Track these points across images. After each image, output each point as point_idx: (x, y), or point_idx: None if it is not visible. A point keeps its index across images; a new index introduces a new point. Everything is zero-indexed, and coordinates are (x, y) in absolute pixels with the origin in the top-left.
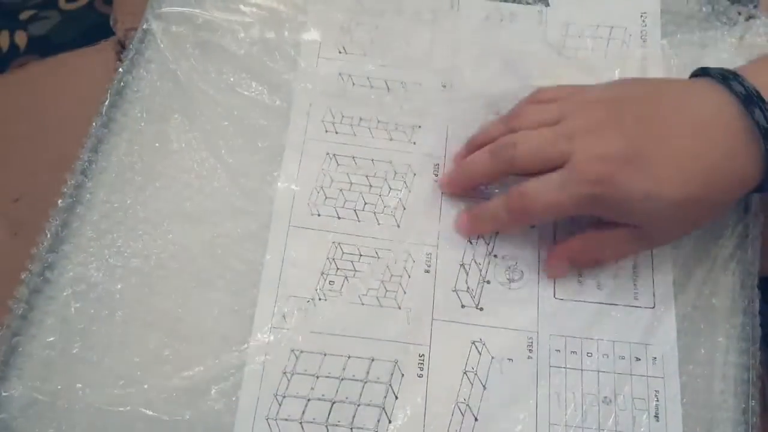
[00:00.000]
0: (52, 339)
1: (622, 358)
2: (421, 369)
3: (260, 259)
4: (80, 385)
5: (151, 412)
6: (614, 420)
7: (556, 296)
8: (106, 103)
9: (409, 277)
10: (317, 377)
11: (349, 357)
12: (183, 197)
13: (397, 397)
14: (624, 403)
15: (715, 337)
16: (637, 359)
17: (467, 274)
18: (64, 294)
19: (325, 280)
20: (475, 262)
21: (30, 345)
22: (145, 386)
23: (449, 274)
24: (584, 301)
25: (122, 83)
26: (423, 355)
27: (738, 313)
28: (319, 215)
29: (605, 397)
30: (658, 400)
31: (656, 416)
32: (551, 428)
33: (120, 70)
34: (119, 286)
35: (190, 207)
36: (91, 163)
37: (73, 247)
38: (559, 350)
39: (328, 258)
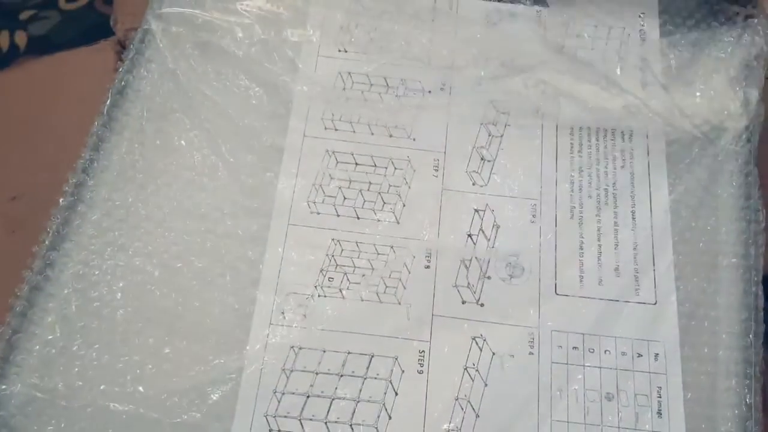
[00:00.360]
0: (51, 337)
1: (624, 354)
2: (422, 365)
3: (260, 257)
4: (80, 383)
5: (150, 410)
6: (617, 416)
7: (557, 292)
8: (108, 102)
9: (409, 273)
10: (317, 374)
11: (348, 353)
12: (184, 195)
13: (397, 394)
14: (627, 399)
15: (718, 334)
16: (639, 355)
17: (468, 270)
18: (65, 292)
19: (324, 276)
20: (476, 257)
21: (30, 342)
22: (145, 384)
23: (449, 269)
24: (586, 297)
25: (123, 82)
26: (423, 351)
27: (741, 310)
28: (318, 213)
29: (608, 394)
30: (660, 397)
31: (659, 413)
32: (553, 425)
33: (121, 69)
34: (120, 284)
35: (192, 205)
36: (93, 161)
37: (74, 245)
38: (560, 346)
39: (327, 255)
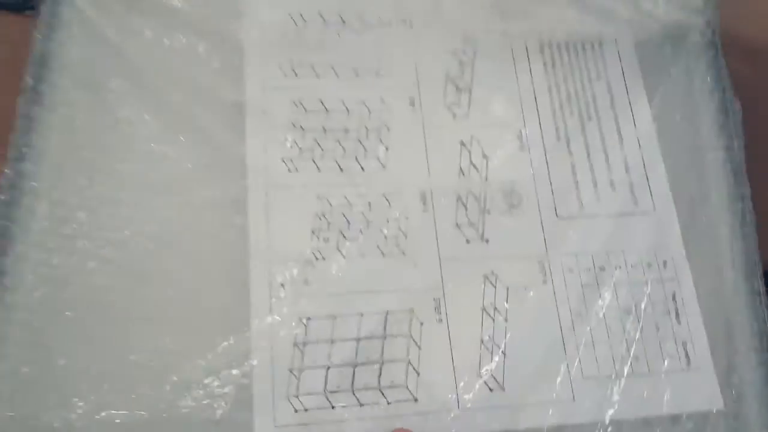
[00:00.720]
0: (28, 354)
1: (634, 267)
2: (439, 313)
3: (245, 226)
4: (75, 399)
5: (155, 412)
6: (639, 328)
7: (558, 215)
8: (29, 77)
9: (407, 219)
10: (332, 342)
11: (362, 315)
12: (146, 168)
13: (420, 348)
14: (645, 310)
15: (719, 228)
16: (649, 265)
17: (466, 207)
18: (32, 299)
19: (318, 238)
20: (472, 192)
21: (2, 365)
22: (147, 384)
23: (448, 209)
24: (587, 217)
25: (41, 53)
26: (438, 298)
27: (734, 200)
28: (297, 170)
29: (626, 308)
30: (675, 301)
31: (677, 318)
32: (579, 348)
33: (37, 36)
34: (95, 280)
35: (157, 178)
36: (27, 147)
37: (27, 246)
38: (572, 269)
39: (316, 215)
